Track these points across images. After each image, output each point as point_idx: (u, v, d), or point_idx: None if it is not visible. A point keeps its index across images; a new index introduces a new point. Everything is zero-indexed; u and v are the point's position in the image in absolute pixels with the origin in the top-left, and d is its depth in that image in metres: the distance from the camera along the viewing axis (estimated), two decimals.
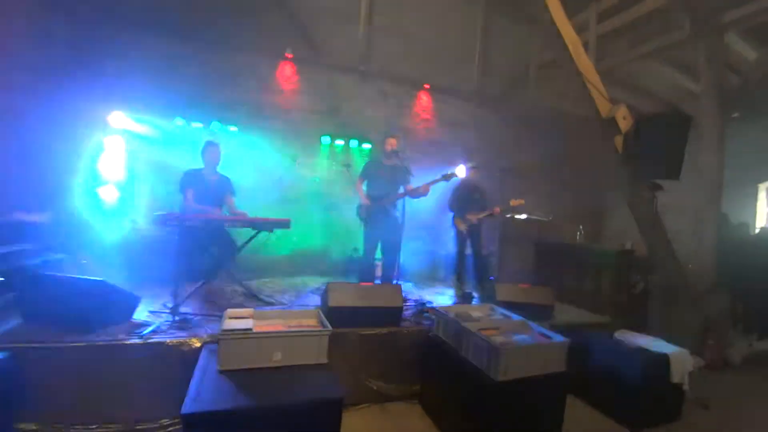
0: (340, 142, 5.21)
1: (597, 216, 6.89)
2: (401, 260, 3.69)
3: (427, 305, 3.37)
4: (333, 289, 2.76)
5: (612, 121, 3.85)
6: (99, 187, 3.96)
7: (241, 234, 3.42)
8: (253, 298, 3.36)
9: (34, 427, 1.98)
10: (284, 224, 3.20)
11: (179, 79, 4.39)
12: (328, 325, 2.21)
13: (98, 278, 2.40)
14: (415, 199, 3.68)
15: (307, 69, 5.07)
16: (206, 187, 3.41)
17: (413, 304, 3.45)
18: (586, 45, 4.66)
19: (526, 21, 5.67)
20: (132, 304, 2.62)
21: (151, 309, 2.77)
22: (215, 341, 2.22)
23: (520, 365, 2.14)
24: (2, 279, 2.46)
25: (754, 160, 5.62)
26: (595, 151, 5.00)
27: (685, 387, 2.77)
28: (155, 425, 2.14)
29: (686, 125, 3.58)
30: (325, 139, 5.16)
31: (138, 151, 4.23)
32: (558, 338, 2.37)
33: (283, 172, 4.91)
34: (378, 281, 3.89)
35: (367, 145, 5.32)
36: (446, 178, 3.61)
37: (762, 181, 5.92)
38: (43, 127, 3.55)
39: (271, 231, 3.26)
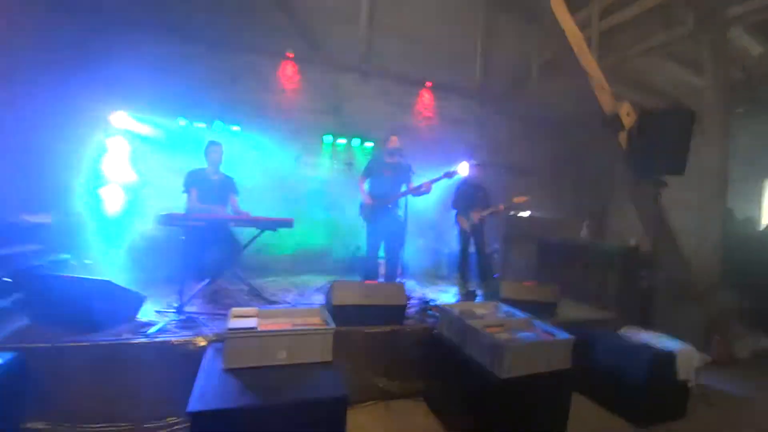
0: (342, 141, 5.22)
1: (601, 213, 6.86)
2: (404, 258, 3.69)
3: (431, 303, 3.37)
4: (337, 287, 2.77)
5: (616, 118, 3.83)
6: (102, 188, 3.98)
7: (244, 233, 3.44)
8: (257, 297, 3.37)
9: (42, 426, 2.00)
10: (287, 223, 3.22)
11: (181, 79, 4.41)
12: (333, 323, 2.22)
13: (103, 278, 2.42)
14: (418, 197, 3.67)
15: (309, 68, 5.07)
16: (210, 187, 3.42)
17: (417, 302, 3.45)
18: (588, 41, 4.63)
19: (528, 18, 5.65)
20: (137, 303, 2.64)
21: (157, 308, 2.78)
22: (220, 340, 2.23)
23: (524, 363, 2.13)
24: (9, 280, 2.48)
25: (760, 155, 5.57)
26: (598, 148, 4.98)
27: (692, 384, 2.75)
28: (162, 423, 2.16)
29: (690, 120, 3.55)
30: (327, 138, 5.16)
31: (140, 151, 4.24)
32: (562, 335, 2.36)
33: (285, 171, 4.92)
34: (381, 279, 3.89)
35: (369, 144, 5.31)
36: (448, 175, 3.60)
37: None
38: (46, 128, 3.58)
39: (275, 230, 3.28)
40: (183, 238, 2.91)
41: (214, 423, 1.60)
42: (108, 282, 2.40)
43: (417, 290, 4.14)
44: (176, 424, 2.16)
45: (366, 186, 3.88)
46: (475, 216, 4.12)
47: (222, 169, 3.58)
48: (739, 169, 4.42)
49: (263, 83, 4.89)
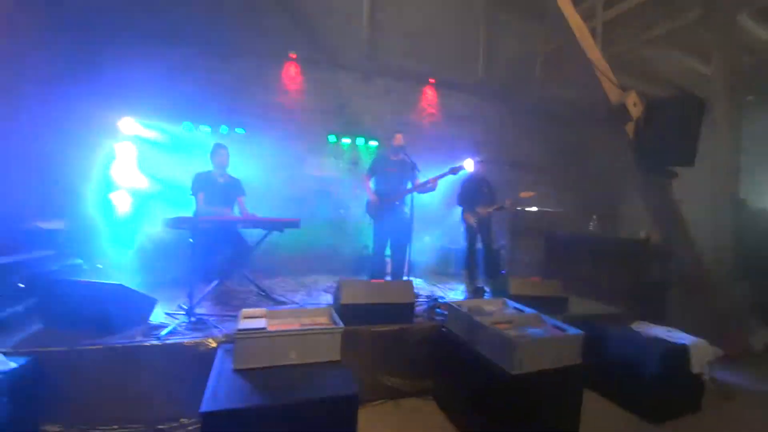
0: (346, 140, 5.23)
1: (609, 206, 6.77)
2: (411, 256, 3.68)
3: (439, 300, 3.37)
4: (345, 286, 2.77)
5: (622, 108, 3.77)
6: (112, 193, 4.04)
7: (251, 234, 3.46)
8: (266, 297, 3.39)
9: (57, 429, 2.04)
10: (294, 224, 3.23)
11: (186, 84, 4.45)
12: (341, 322, 2.22)
13: (115, 282, 2.46)
14: (424, 194, 3.66)
15: (312, 68, 5.09)
16: (217, 189, 3.45)
17: (425, 299, 3.45)
18: (593, 32, 4.57)
19: (531, 10, 5.58)
20: (149, 306, 2.67)
21: (168, 311, 2.81)
22: (231, 341, 2.25)
23: (534, 359, 2.11)
24: (24, 285, 2.53)
25: None
26: (605, 140, 4.91)
27: (705, 377, 2.71)
28: (175, 424, 2.19)
29: (700, 108, 3.47)
30: (332, 138, 5.18)
31: (148, 156, 4.30)
32: (572, 331, 2.34)
33: (291, 172, 4.94)
34: (389, 278, 3.89)
35: (373, 142, 5.32)
36: (454, 171, 3.59)
37: None
38: (56, 135, 3.64)
39: (282, 231, 3.29)
40: (191, 240, 2.94)
41: (226, 422, 1.62)
42: (121, 285, 2.43)
43: (425, 288, 4.14)
44: (189, 425, 2.19)
45: (371, 184, 3.88)
46: (483, 211, 4.10)
47: (228, 171, 3.60)
48: (753, 158, 4.32)
49: (266, 85, 4.92)
